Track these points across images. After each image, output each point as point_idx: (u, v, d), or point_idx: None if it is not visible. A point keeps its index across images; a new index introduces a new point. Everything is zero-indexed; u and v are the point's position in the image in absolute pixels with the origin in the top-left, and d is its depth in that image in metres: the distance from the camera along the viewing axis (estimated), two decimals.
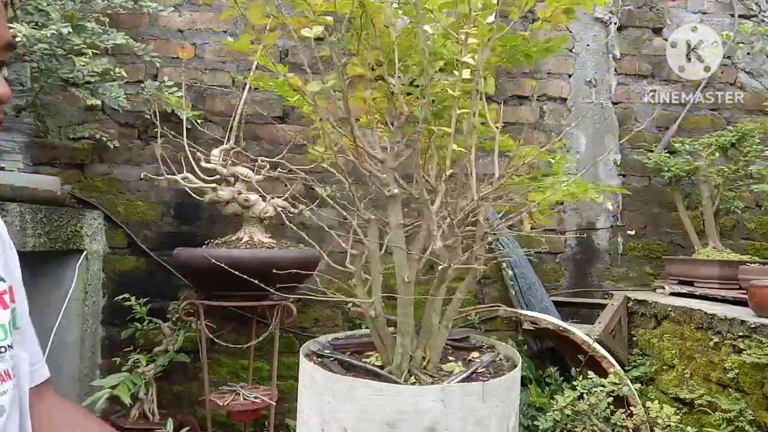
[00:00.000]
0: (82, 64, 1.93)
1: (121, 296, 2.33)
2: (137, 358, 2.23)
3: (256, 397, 2.13)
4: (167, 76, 2.56)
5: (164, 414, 2.24)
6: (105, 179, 2.58)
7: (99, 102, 2.21)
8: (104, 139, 2.48)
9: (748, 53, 2.59)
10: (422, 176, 1.47)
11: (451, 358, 1.55)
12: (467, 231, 1.50)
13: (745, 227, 2.80)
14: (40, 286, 2.29)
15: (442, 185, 1.51)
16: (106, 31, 2.04)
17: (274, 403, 2.15)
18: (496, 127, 1.41)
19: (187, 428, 2.15)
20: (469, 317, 2.40)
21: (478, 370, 1.44)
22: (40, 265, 2.28)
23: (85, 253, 2.31)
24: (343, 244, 1.52)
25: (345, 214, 1.47)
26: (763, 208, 2.75)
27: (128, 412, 2.21)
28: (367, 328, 2.47)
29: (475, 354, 1.54)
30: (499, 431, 1.29)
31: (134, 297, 2.31)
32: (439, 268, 1.48)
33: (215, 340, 2.15)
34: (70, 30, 1.85)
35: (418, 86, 1.57)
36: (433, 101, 1.50)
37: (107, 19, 2.24)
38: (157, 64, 2.51)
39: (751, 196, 2.73)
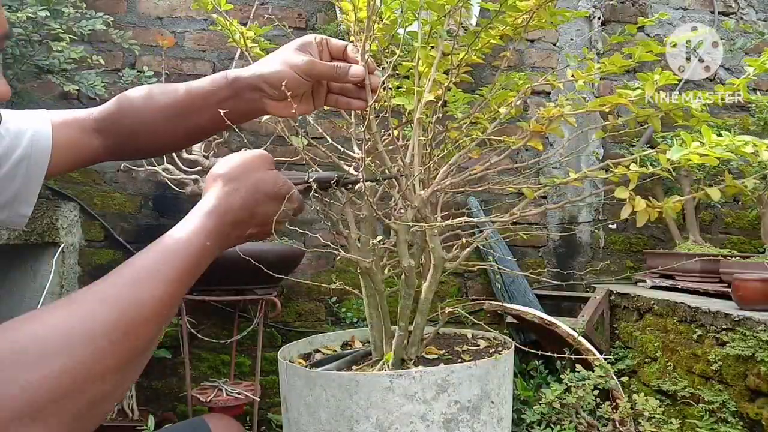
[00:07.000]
0: (59, 50, 1.85)
1: None
2: None
3: (239, 393, 2.10)
4: (146, 65, 2.49)
5: (144, 410, 2.19)
6: (81, 170, 2.50)
7: (76, 88, 2.13)
8: None
9: (730, 50, 2.62)
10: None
11: (441, 351, 1.58)
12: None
13: (723, 221, 2.84)
14: (14, 280, 2.22)
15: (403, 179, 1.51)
16: (84, 16, 1.96)
17: (258, 399, 2.12)
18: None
19: (168, 425, 2.11)
20: (455, 311, 2.39)
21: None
22: (14, 258, 2.20)
23: (62, 246, 2.24)
24: (330, 240, 1.50)
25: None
26: (740, 203, 2.79)
27: None
28: (352, 325, 2.46)
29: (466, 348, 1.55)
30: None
31: None
32: (403, 262, 1.48)
33: (196, 335, 2.11)
34: (48, 14, 1.78)
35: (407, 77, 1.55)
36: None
37: (84, 4, 2.16)
38: (136, 52, 2.43)
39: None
